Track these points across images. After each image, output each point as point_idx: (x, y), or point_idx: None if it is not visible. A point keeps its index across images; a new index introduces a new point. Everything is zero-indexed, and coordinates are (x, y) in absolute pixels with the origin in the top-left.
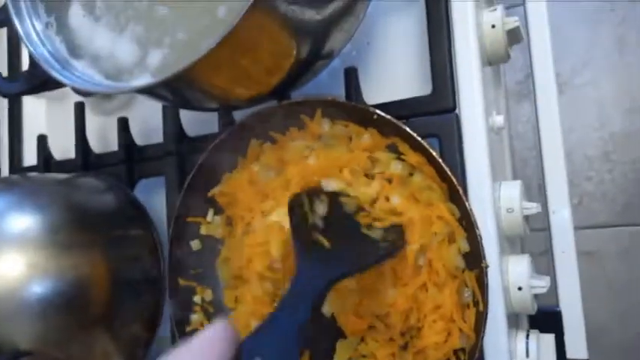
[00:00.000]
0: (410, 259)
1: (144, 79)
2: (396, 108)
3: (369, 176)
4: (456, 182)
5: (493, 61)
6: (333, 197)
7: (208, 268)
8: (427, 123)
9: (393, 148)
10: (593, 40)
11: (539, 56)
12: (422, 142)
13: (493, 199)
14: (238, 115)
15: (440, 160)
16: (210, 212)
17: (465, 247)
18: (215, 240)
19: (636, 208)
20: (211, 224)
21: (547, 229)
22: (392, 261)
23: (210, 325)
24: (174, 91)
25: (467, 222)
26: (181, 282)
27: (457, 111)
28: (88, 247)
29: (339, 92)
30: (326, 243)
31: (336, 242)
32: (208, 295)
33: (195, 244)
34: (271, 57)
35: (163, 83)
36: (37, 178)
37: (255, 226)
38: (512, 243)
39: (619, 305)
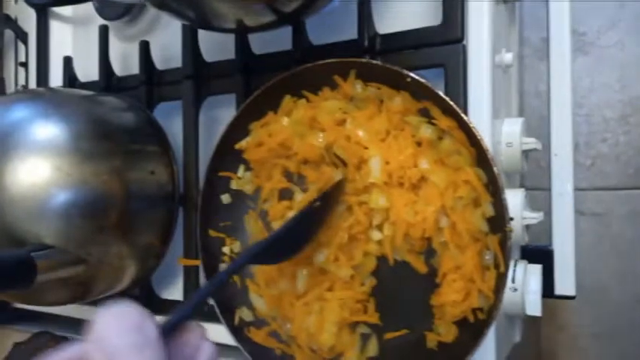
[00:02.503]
0: (430, 220)
1: None
2: (406, 37)
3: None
4: (485, 147)
5: None
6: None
7: (237, 222)
8: (434, 53)
9: (424, 112)
10: (623, 1)
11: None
12: (454, 106)
13: (492, 132)
14: (254, 43)
15: (471, 125)
16: (241, 168)
17: (489, 211)
18: (244, 195)
19: None
20: (241, 179)
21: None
22: None
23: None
24: (194, 5)
25: (494, 187)
26: (211, 233)
27: (465, 42)
28: (109, 156)
29: (352, 22)
30: None
31: None
32: (236, 246)
33: (225, 198)
34: None
35: None
36: (62, 91)
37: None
38: (510, 178)
39: (622, 266)
